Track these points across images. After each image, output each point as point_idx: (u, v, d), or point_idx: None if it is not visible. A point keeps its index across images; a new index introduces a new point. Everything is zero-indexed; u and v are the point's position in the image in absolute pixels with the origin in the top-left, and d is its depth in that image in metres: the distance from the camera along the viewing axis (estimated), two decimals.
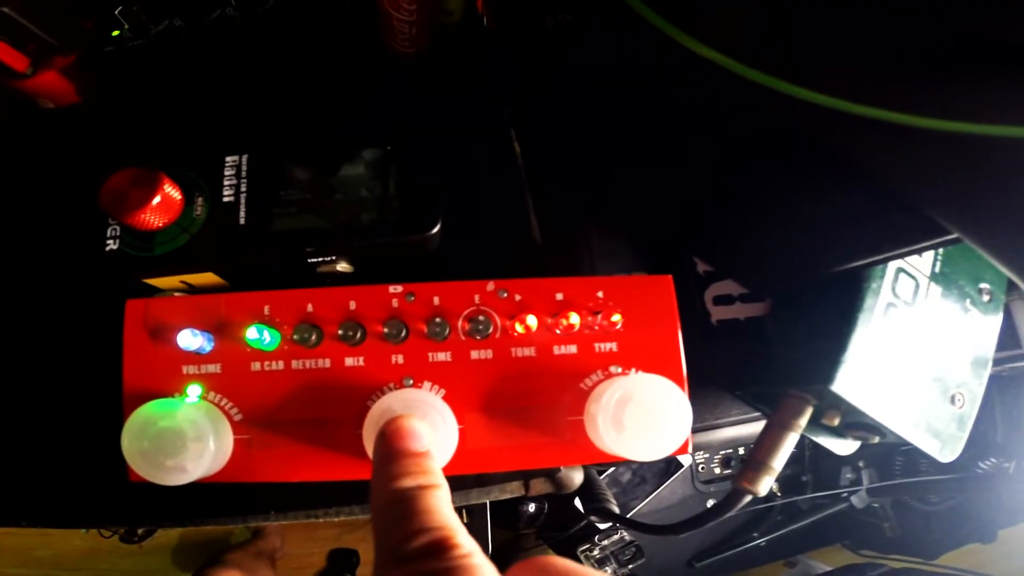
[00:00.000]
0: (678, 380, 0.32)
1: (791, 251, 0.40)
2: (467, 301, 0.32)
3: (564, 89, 0.44)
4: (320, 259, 0.35)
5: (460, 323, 0.32)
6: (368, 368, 0.32)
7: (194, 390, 0.31)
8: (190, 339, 0.30)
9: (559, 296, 0.32)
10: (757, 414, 0.46)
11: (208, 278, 0.35)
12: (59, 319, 0.38)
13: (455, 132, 0.41)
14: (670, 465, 0.76)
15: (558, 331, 0.32)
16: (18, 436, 0.36)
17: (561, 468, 0.38)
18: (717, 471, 0.79)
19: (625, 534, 0.75)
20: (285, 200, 0.34)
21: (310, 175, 0.35)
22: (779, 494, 0.81)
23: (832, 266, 0.37)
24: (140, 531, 1.05)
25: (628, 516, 0.69)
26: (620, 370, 0.32)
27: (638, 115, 0.40)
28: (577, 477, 0.39)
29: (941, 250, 0.40)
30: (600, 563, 0.73)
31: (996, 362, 0.43)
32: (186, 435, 0.28)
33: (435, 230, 0.34)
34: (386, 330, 0.31)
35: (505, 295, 0.32)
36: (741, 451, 0.80)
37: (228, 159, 0.35)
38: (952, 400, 0.39)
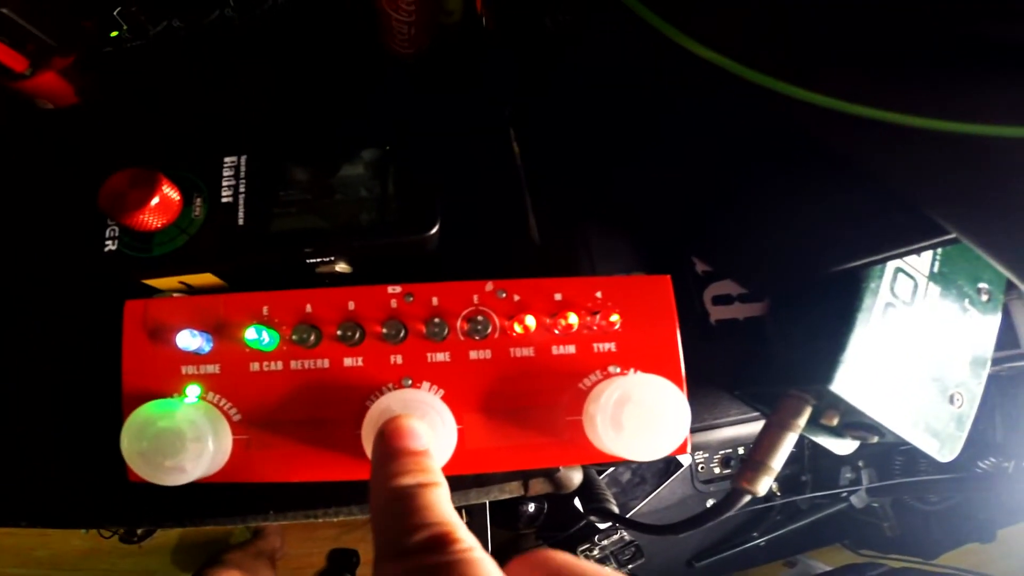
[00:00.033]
0: (676, 380, 0.32)
1: (790, 251, 0.40)
2: (466, 301, 0.32)
3: (564, 89, 0.44)
4: (319, 259, 0.35)
5: (459, 323, 0.32)
6: (367, 368, 0.32)
7: (193, 390, 0.31)
8: (189, 339, 0.30)
9: (558, 296, 0.32)
10: (756, 414, 0.46)
11: (207, 279, 0.35)
12: (58, 320, 0.38)
13: (454, 132, 0.41)
14: (670, 465, 0.76)
15: (557, 331, 0.32)
16: (18, 436, 0.36)
17: (560, 468, 0.38)
18: (717, 471, 0.79)
19: (625, 534, 0.75)
20: (284, 200, 0.34)
21: (309, 175, 0.35)
22: (778, 494, 0.81)
23: (831, 266, 0.37)
24: (139, 531, 1.05)
25: (627, 516, 0.69)
26: (619, 370, 0.32)
27: (638, 115, 0.40)
28: (576, 477, 0.39)
29: (940, 250, 0.40)
30: (600, 563, 0.72)
31: (995, 362, 0.43)
32: (185, 435, 0.28)
33: (434, 230, 0.34)
34: (385, 330, 0.31)
35: (504, 295, 0.32)
36: (741, 451, 0.80)
37: (227, 160, 0.35)
38: (951, 400, 0.39)
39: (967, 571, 0.74)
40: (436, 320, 0.31)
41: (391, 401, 0.30)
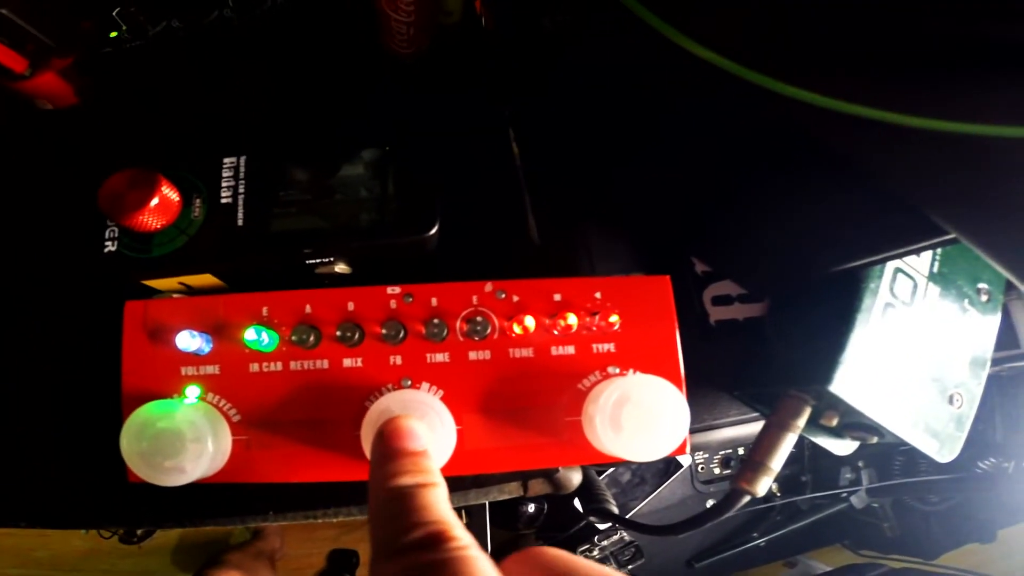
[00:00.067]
0: (676, 381, 0.32)
1: (790, 251, 0.40)
2: (465, 302, 0.32)
3: (563, 89, 0.44)
4: (318, 260, 0.35)
5: (458, 324, 0.32)
6: (366, 369, 0.32)
7: (193, 391, 0.31)
8: (188, 340, 0.30)
9: (557, 297, 0.32)
10: (756, 414, 0.46)
11: (206, 279, 0.35)
12: (58, 320, 0.38)
13: (454, 132, 0.41)
14: (669, 465, 0.76)
15: (556, 332, 0.32)
16: (17, 436, 0.36)
17: (559, 469, 0.38)
18: (717, 471, 0.79)
19: (624, 534, 0.75)
20: (283, 201, 0.34)
21: (308, 176, 0.35)
22: (778, 494, 0.81)
23: (830, 266, 0.37)
24: (139, 532, 1.05)
25: (627, 516, 0.69)
26: (618, 371, 0.32)
27: (637, 115, 0.40)
28: (575, 478, 0.39)
29: (939, 250, 0.40)
30: (599, 563, 0.73)
31: (995, 362, 0.42)
32: (185, 436, 0.28)
33: (433, 231, 0.34)
34: (384, 331, 0.31)
35: (503, 296, 0.32)
36: (741, 451, 0.80)
37: (226, 160, 0.35)
38: (950, 400, 0.39)
39: (967, 571, 0.74)
40: (435, 321, 0.31)
41: (390, 402, 0.30)
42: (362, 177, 0.35)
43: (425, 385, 0.31)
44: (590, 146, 0.46)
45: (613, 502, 0.46)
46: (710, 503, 0.79)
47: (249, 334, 0.30)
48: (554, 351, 0.32)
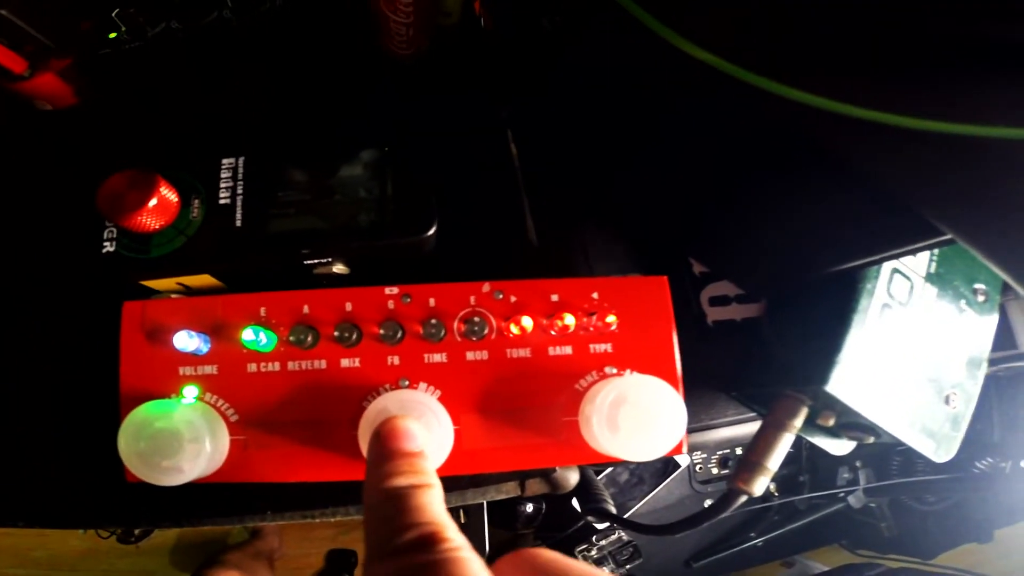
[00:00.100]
0: (673, 381, 0.32)
1: (787, 252, 0.40)
2: (463, 302, 0.32)
3: (562, 89, 0.45)
4: (316, 261, 0.35)
5: (456, 324, 0.32)
6: (364, 369, 0.32)
7: (190, 391, 0.31)
8: (186, 340, 0.30)
9: (554, 297, 0.32)
10: (754, 414, 0.46)
11: (205, 280, 0.35)
12: (57, 321, 0.38)
13: (452, 133, 0.41)
14: (668, 465, 0.76)
15: (553, 332, 0.32)
16: (16, 436, 0.36)
17: (556, 468, 0.38)
18: (715, 471, 0.79)
19: (622, 534, 0.75)
20: (281, 202, 0.35)
21: (307, 177, 0.35)
22: (776, 494, 0.81)
23: (827, 267, 0.37)
24: (137, 531, 1.05)
25: (625, 516, 0.69)
26: (615, 371, 0.32)
27: (636, 116, 0.40)
28: (573, 477, 0.39)
29: (936, 251, 0.40)
30: (598, 563, 0.73)
31: (993, 362, 0.43)
32: (182, 436, 0.28)
33: (431, 231, 0.34)
34: (382, 331, 0.31)
35: (500, 296, 0.32)
36: (739, 451, 0.80)
37: (224, 161, 0.35)
38: (947, 400, 0.39)
39: (965, 571, 0.74)
40: (433, 321, 0.32)
41: (388, 402, 0.30)
42: (360, 178, 0.35)
43: (423, 385, 0.32)
44: (588, 147, 0.46)
45: (611, 502, 0.46)
46: (708, 503, 0.79)
47: (247, 334, 0.30)
48: (551, 351, 0.32)
